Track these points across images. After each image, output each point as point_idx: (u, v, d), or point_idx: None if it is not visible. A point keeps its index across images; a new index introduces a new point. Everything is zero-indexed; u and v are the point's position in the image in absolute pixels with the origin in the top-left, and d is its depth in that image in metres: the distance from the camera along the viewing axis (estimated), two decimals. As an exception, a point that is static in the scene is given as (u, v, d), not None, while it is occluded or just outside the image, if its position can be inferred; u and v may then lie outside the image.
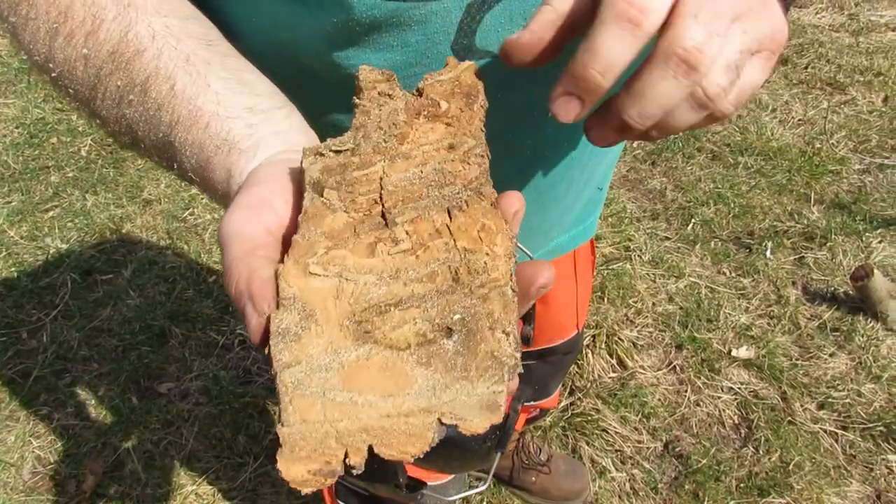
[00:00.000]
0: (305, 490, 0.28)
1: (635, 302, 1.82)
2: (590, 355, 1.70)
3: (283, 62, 0.48)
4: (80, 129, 2.33)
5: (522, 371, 0.30)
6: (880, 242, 1.92)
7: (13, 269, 1.90)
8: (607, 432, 1.57)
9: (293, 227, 0.36)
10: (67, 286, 1.85)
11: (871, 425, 1.54)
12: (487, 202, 0.34)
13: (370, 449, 0.28)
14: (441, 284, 0.31)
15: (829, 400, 1.59)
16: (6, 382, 1.66)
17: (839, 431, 1.54)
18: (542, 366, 1.14)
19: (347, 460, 0.28)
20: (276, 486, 1.49)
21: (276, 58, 0.47)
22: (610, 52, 0.32)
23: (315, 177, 0.35)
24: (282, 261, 0.33)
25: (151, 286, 1.86)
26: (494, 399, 0.28)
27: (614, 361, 1.70)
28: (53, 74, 0.43)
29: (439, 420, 0.28)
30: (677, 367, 1.69)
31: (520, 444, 1.45)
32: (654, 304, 1.83)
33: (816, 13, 2.87)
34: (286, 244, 0.34)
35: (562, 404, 1.62)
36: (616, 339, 1.72)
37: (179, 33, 0.43)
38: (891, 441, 1.50)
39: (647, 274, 1.90)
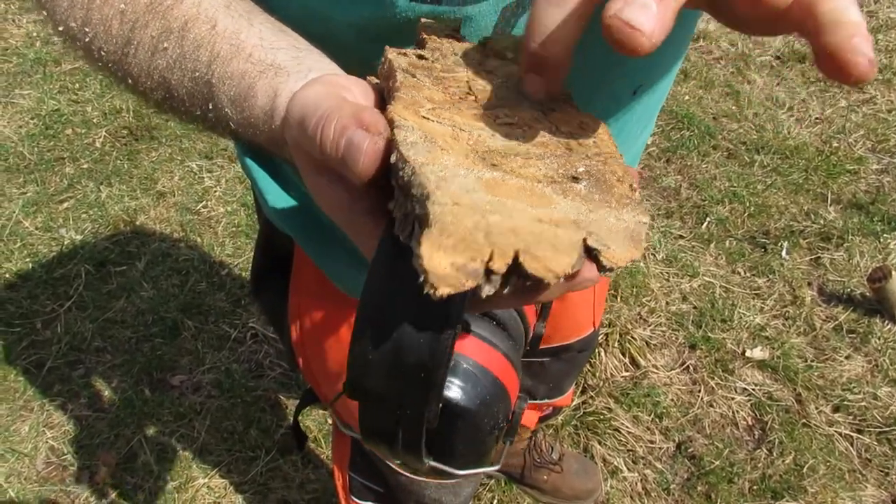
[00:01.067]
0: (441, 290, 0.24)
1: (649, 301, 1.81)
2: (602, 354, 1.69)
3: None
4: (94, 120, 2.34)
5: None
6: (898, 244, 1.90)
7: (28, 259, 1.91)
8: (619, 432, 1.56)
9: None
10: (81, 277, 1.86)
11: (887, 429, 1.52)
12: (578, 110, 0.33)
13: (515, 258, 0.24)
14: (555, 150, 0.29)
15: (845, 403, 1.57)
16: (21, 373, 1.67)
17: (854, 435, 1.52)
18: (557, 363, 1.14)
19: (491, 263, 0.24)
20: (287, 481, 1.50)
21: None
22: (545, 23, 0.30)
23: (404, 66, 0.34)
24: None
25: (165, 278, 1.86)
26: (640, 231, 0.26)
27: (627, 360, 1.69)
28: (87, 39, 0.43)
29: (584, 242, 0.25)
30: (690, 367, 1.68)
31: (531, 443, 1.45)
32: (667, 303, 1.81)
33: (835, 10, 2.84)
34: None
35: (574, 403, 1.61)
36: (629, 337, 1.71)
37: None
38: (907, 445, 1.49)
39: (661, 273, 1.89)
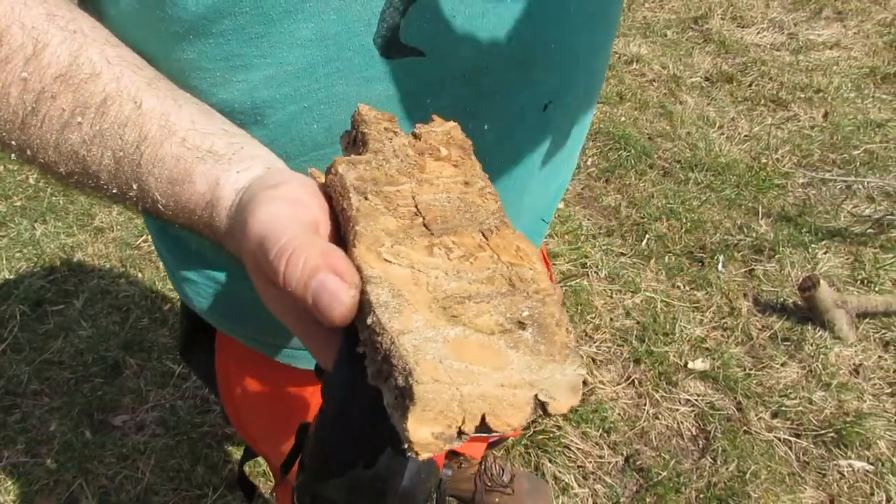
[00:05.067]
0: (424, 455, 0.28)
1: (593, 318, 1.85)
2: (550, 372, 1.72)
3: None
4: (27, 156, 2.28)
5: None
6: (825, 253, 1.99)
7: (-42, 302, 1.84)
8: (569, 448, 1.58)
9: (334, 229, 0.36)
10: (16, 318, 1.80)
11: (822, 432, 1.58)
12: (512, 230, 0.37)
13: (482, 419, 0.28)
14: (500, 287, 0.33)
15: (783, 408, 1.63)
16: (-49, 421, 1.60)
17: (793, 439, 1.58)
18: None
19: (462, 426, 0.28)
20: (237, 517, 1.46)
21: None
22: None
23: (355, 183, 0.37)
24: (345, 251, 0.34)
25: (104, 316, 1.82)
26: (578, 382, 0.30)
27: (574, 378, 1.72)
28: None
29: (536, 396, 0.29)
30: (636, 381, 1.72)
31: (482, 467, 1.45)
32: (611, 319, 1.85)
33: (758, 33, 2.98)
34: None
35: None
36: (575, 355, 1.74)
37: (135, 62, 0.42)
38: (841, 447, 1.55)
39: (605, 290, 1.93)
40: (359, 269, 0.32)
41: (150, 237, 2.03)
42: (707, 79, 2.73)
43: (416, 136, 0.41)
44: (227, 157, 0.39)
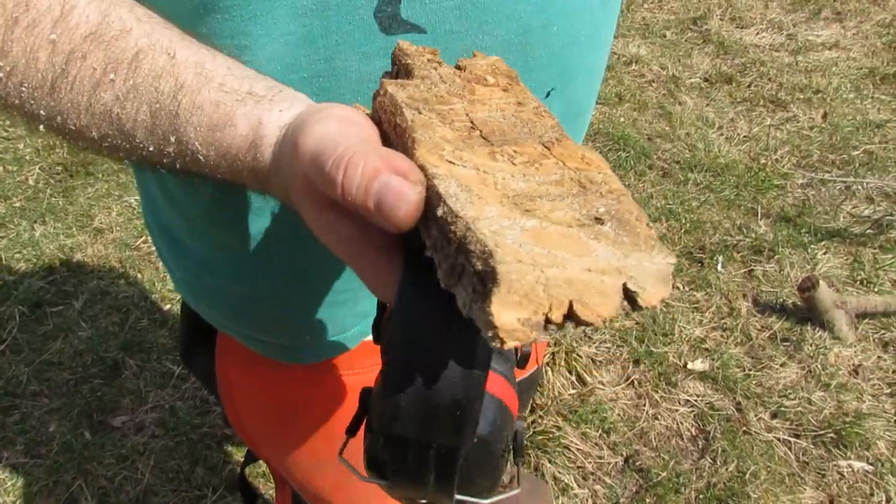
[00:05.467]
0: (509, 344, 0.25)
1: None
2: (549, 373, 1.72)
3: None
4: (27, 157, 2.28)
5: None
6: (825, 254, 1.99)
7: (-43, 303, 1.84)
8: (569, 449, 1.58)
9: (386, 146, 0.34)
10: (16, 319, 1.80)
11: (822, 432, 1.58)
12: (573, 142, 0.34)
13: (570, 307, 0.26)
14: (571, 189, 0.31)
15: (782, 409, 1.63)
16: (-50, 422, 1.60)
17: (792, 439, 1.58)
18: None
19: (549, 314, 0.26)
20: (237, 518, 1.46)
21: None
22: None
23: (406, 101, 0.35)
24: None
25: (104, 317, 1.82)
26: (668, 271, 0.28)
27: (574, 378, 1.72)
28: (0, 75, 0.39)
29: (624, 285, 0.27)
30: (635, 382, 1.72)
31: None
32: (611, 319, 1.85)
33: (757, 34, 2.98)
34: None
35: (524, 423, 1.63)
36: (575, 355, 1.74)
37: (164, 20, 0.41)
38: (841, 447, 1.55)
39: (604, 290, 1.93)
40: (422, 169, 0.30)
41: (149, 237, 2.03)
42: (706, 79, 2.73)
43: (459, 68, 0.40)
44: (269, 98, 0.38)
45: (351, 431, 0.43)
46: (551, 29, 0.51)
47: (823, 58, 2.82)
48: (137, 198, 2.15)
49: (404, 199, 0.29)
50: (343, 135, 0.32)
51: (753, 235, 2.06)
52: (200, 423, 1.61)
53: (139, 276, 1.93)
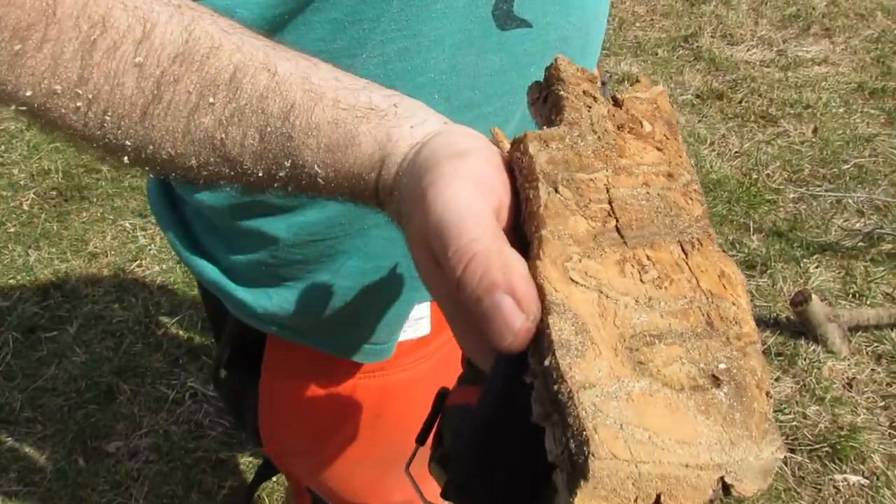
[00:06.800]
0: None
1: (587, 336, 1.85)
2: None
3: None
4: (21, 182, 2.29)
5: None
6: (817, 268, 2.00)
7: (-49, 330, 1.84)
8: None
9: (513, 205, 0.33)
10: (9, 345, 1.80)
11: (817, 446, 1.58)
12: (716, 246, 0.33)
13: (657, 498, 0.26)
14: (695, 326, 0.29)
15: (777, 423, 1.62)
16: (-56, 450, 1.59)
17: (787, 454, 1.57)
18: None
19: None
20: (231, 543, 1.46)
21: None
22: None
23: (545, 168, 0.33)
24: (526, 256, 0.31)
25: (98, 342, 1.82)
26: (773, 466, 0.27)
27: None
28: (77, 104, 0.35)
29: (722, 479, 0.26)
30: (630, 399, 1.72)
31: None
32: (605, 337, 1.86)
33: (748, 50, 3.01)
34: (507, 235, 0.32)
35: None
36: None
37: (247, 29, 0.38)
38: (836, 461, 1.55)
39: (598, 307, 1.94)
40: (540, 290, 0.29)
41: (143, 262, 2.03)
42: (698, 96, 2.75)
43: (616, 103, 0.37)
44: (393, 112, 0.36)
45: (420, 440, 0.44)
46: (599, 18, 0.58)
47: (813, 73, 2.84)
48: (132, 221, 2.15)
49: (510, 328, 0.28)
50: (473, 213, 0.31)
51: (746, 250, 2.07)
52: (195, 448, 1.60)
53: (133, 300, 1.93)
